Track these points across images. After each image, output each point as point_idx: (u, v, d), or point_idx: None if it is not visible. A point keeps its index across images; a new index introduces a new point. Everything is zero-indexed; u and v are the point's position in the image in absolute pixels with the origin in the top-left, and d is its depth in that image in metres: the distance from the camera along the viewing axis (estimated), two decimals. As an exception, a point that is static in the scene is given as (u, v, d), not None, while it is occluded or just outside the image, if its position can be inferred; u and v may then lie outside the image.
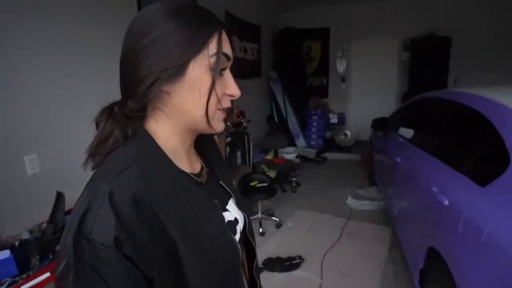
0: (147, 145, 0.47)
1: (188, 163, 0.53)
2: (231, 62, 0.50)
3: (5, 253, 1.14)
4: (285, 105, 5.47)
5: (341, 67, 6.00)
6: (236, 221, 0.57)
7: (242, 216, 0.60)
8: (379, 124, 3.11)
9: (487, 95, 1.64)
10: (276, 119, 5.58)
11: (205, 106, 0.46)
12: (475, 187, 1.34)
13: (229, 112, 0.51)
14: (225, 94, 0.50)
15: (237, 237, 0.55)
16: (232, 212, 0.57)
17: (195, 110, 0.47)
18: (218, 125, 0.50)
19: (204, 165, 0.58)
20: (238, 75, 4.30)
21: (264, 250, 2.54)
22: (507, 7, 4.73)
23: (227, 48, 0.48)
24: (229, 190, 0.60)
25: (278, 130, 5.29)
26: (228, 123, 0.56)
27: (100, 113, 0.48)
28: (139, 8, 2.41)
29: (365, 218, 3.12)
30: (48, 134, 1.74)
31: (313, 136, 5.64)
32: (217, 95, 0.47)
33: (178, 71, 0.44)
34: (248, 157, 3.47)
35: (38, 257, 1.23)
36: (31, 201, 1.61)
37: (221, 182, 0.60)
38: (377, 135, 3.40)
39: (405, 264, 2.14)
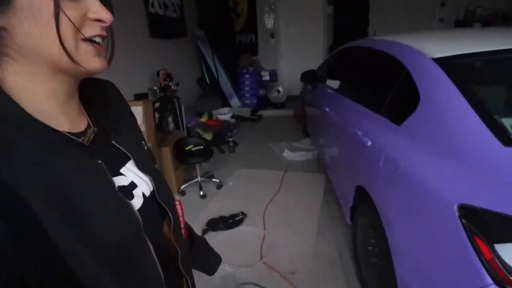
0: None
1: (65, 120, 0.43)
2: None
3: None
4: (215, 65, 5.27)
5: (269, 22, 5.90)
6: (132, 185, 0.48)
7: (148, 179, 0.52)
8: (307, 76, 3.19)
9: (399, 40, 1.74)
10: (208, 81, 5.38)
11: (58, 37, 0.35)
12: (392, 126, 1.45)
13: (106, 45, 0.42)
14: (89, 19, 0.39)
15: (138, 202, 0.48)
16: (128, 175, 0.49)
17: (47, 45, 0.36)
18: (90, 61, 0.39)
19: (92, 123, 0.48)
20: (160, 34, 3.95)
21: (207, 212, 2.54)
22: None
23: None
24: (126, 152, 0.50)
25: (211, 92, 5.13)
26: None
27: None
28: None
29: (301, 168, 3.29)
30: None
31: (247, 95, 5.62)
32: (70, 20, 0.36)
33: None
34: (180, 121, 3.31)
35: None
36: None
37: (114, 142, 0.49)
38: (307, 88, 3.50)
39: (338, 205, 2.33)
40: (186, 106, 3.79)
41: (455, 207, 0.91)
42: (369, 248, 1.63)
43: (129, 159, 0.51)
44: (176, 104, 3.23)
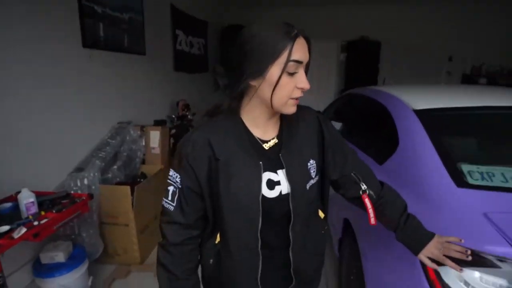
0: (234, 119, 0.76)
1: (262, 130, 0.77)
2: (304, 63, 0.70)
3: None
4: (232, 99, 5.60)
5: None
6: (278, 183, 0.76)
7: (288, 186, 0.75)
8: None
9: (391, 92, 1.97)
10: (223, 113, 5.69)
11: (280, 96, 0.69)
12: (375, 165, 1.63)
13: (297, 100, 0.73)
14: (296, 88, 0.70)
15: (274, 194, 0.75)
16: (279, 176, 0.76)
17: (270, 99, 0.69)
18: (290, 109, 0.73)
19: (277, 138, 0.79)
20: (183, 69, 4.35)
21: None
22: (429, 22, 5.42)
23: (299, 55, 0.67)
24: (283, 163, 0.76)
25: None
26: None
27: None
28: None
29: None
30: None
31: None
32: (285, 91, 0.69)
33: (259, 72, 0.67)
34: (193, 148, 3.55)
35: None
36: None
37: (280, 155, 0.76)
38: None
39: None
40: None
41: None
42: (351, 278, 1.73)
43: (282, 168, 0.76)
44: (191, 132, 3.48)
